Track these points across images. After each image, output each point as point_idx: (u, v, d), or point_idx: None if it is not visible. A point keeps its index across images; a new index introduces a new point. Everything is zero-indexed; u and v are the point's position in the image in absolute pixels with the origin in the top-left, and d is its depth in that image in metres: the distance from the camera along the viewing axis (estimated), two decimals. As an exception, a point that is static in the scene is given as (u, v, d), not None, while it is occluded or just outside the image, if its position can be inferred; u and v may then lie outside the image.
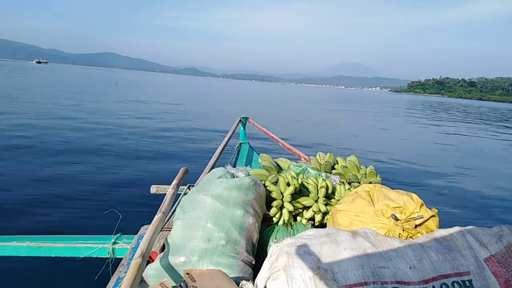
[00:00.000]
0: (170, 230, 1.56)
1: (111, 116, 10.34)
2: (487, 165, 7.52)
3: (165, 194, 1.84)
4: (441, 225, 1.44)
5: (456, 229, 1.25)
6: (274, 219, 1.67)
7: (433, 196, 4.81)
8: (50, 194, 3.80)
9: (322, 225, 1.73)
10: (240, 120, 4.21)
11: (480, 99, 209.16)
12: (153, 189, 2.23)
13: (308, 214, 1.70)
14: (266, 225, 1.67)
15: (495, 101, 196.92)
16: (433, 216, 1.42)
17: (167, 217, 1.72)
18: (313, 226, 1.71)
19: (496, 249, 1.16)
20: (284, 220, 1.66)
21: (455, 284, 1.11)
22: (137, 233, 1.83)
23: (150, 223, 1.53)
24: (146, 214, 2.01)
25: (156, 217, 1.59)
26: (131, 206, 3.50)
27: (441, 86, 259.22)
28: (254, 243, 1.49)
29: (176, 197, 1.85)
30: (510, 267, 1.13)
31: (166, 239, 1.47)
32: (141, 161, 5.52)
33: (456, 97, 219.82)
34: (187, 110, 14.92)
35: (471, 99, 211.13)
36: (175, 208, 1.82)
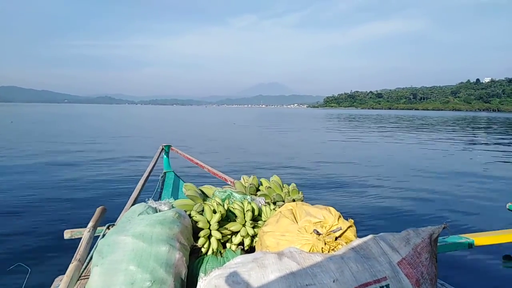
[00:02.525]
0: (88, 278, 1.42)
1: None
2: (399, 172, 8.32)
3: (81, 238, 1.68)
4: (358, 233, 1.54)
5: (370, 237, 1.35)
6: (203, 250, 1.63)
7: (349, 204, 5.15)
8: None
9: (252, 248, 1.73)
10: (163, 149, 4.08)
11: (390, 108, 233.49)
12: (67, 234, 2.01)
13: (237, 239, 1.69)
14: (195, 257, 1.62)
15: (402, 109, 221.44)
16: (350, 226, 1.52)
17: (85, 264, 1.57)
18: (243, 250, 1.71)
19: (406, 252, 1.28)
20: (213, 249, 1.62)
21: (375, 291, 1.18)
22: (51, 286, 1.63)
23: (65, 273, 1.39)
24: (61, 264, 1.80)
25: (71, 266, 1.45)
26: (42, 257, 3.06)
27: (353, 100, 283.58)
28: (183, 278, 1.43)
29: (94, 240, 1.70)
30: (419, 267, 1.25)
31: None
32: (50, 203, 4.83)
33: (369, 108, 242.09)
34: (98, 142, 13.46)
35: (382, 109, 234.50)
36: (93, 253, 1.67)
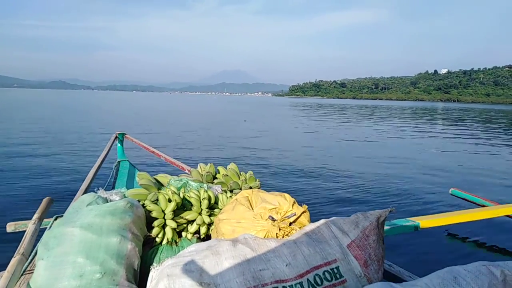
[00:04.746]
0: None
1: None
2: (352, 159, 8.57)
3: (26, 231, 1.59)
4: (312, 218, 1.58)
5: (322, 221, 1.38)
6: (158, 239, 1.60)
7: (304, 191, 5.26)
8: None
9: (208, 236, 1.72)
10: (116, 137, 3.91)
11: (354, 98, 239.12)
12: (10, 227, 1.88)
13: (193, 228, 1.67)
14: (150, 247, 1.59)
15: (367, 99, 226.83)
16: (304, 212, 1.55)
17: (30, 258, 1.49)
18: (199, 239, 1.70)
19: (355, 235, 1.32)
20: (168, 239, 1.60)
21: (326, 273, 1.21)
22: None
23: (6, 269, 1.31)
24: (2, 259, 1.69)
25: (13, 260, 1.37)
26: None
27: (318, 89, 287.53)
28: (136, 269, 1.39)
29: (40, 234, 1.62)
30: (367, 249, 1.30)
31: (29, 283, 1.27)
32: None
33: (334, 98, 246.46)
34: (48, 129, 12.16)
35: (346, 98, 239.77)
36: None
